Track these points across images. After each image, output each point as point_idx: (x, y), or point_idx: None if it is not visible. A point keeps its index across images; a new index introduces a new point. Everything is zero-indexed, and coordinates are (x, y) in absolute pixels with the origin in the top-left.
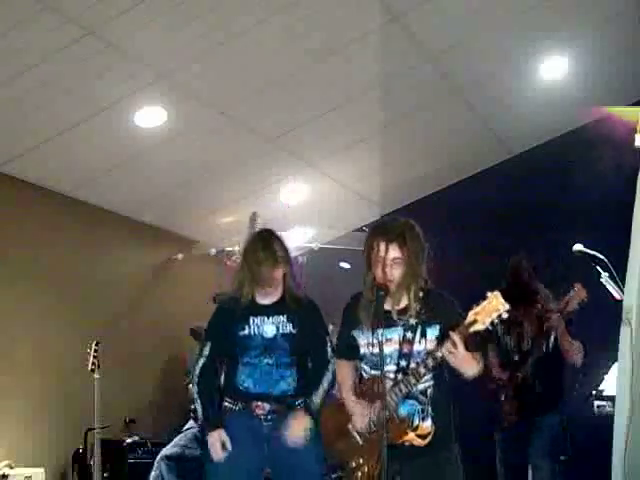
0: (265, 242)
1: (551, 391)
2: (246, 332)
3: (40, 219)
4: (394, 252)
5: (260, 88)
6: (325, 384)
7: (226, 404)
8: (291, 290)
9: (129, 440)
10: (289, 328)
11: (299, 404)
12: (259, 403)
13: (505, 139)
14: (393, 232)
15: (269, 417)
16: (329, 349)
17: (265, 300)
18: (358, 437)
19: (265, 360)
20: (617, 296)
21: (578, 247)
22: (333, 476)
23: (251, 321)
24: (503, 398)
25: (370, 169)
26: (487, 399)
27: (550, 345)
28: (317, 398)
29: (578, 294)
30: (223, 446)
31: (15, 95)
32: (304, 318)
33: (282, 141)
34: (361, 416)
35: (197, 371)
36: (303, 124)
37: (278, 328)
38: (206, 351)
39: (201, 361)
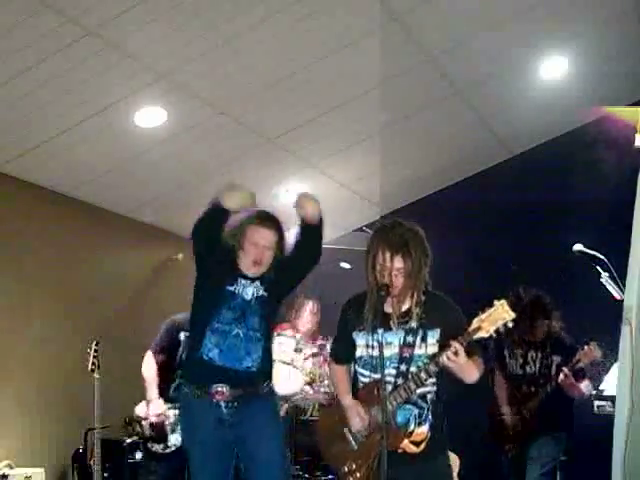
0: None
1: (552, 417)
2: (232, 288)
3: (40, 219)
4: (398, 263)
5: (260, 88)
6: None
7: (184, 389)
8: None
9: (129, 440)
10: (261, 291)
11: (262, 390)
12: (219, 388)
13: (505, 139)
14: (398, 242)
15: (230, 404)
16: None
17: (250, 271)
18: (353, 441)
19: (236, 330)
20: (617, 296)
21: (578, 247)
22: (330, 477)
23: (238, 281)
24: (509, 424)
25: (370, 169)
26: (493, 427)
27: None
28: None
29: (591, 353)
30: None
31: (15, 95)
32: (275, 283)
33: (282, 141)
34: (359, 418)
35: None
36: (303, 124)
37: (254, 292)
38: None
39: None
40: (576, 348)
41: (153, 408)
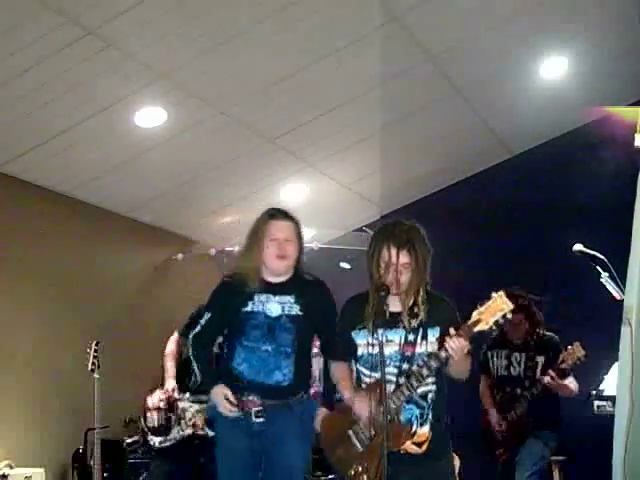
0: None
1: (539, 417)
2: (249, 308)
3: (40, 219)
4: (404, 258)
5: (260, 88)
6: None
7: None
8: (302, 270)
9: (129, 440)
10: (295, 310)
11: (295, 402)
12: (250, 398)
13: (505, 139)
14: (403, 238)
15: (260, 414)
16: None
17: (273, 278)
18: (358, 444)
19: (264, 347)
20: (617, 296)
21: (578, 247)
22: (331, 477)
23: (256, 298)
24: (497, 428)
25: (370, 169)
26: (483, 432)
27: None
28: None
29: (574, 353)
30: (229, 400)
31: (15, 95)
32: (313, 301)
33: (282, 141)
34: (364, 405)
35: (191, 337)
36: (303, 124)
37: (284, 308)
38: (204, 320)
39: (197, 328)
40: (560, 348)
41: (167, 385)
